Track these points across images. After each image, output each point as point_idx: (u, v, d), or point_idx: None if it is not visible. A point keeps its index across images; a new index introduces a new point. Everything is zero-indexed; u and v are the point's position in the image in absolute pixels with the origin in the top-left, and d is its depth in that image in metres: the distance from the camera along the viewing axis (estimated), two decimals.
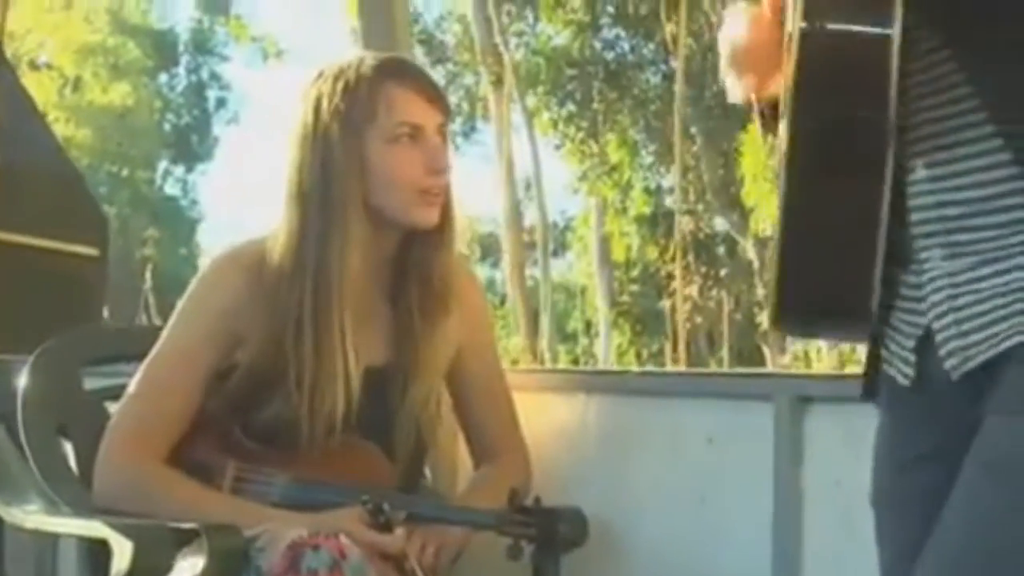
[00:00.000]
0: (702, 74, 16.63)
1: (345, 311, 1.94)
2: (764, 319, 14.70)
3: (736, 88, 1.44)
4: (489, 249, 17.99)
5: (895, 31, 1.25)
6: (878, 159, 1.28)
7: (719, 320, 14.00)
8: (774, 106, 1.42)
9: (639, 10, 16.49)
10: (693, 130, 16.56)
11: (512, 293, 15.56)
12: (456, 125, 18.53)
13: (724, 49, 1.44)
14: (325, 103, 1.96)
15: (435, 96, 2.02)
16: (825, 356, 10.47)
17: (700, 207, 16.80)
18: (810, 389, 2.09)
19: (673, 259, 15.11)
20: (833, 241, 1.31)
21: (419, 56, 17.82)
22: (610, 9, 16.78)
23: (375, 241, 1.98)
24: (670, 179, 16.96)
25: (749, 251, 15.26)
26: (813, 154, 1.29)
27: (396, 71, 2.01)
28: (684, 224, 15.31)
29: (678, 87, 14.70)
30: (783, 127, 1.33)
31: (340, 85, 1.97)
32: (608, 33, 17.43)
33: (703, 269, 16.48)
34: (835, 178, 1.29)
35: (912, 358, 1.38)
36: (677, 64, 15.02)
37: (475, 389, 2.14)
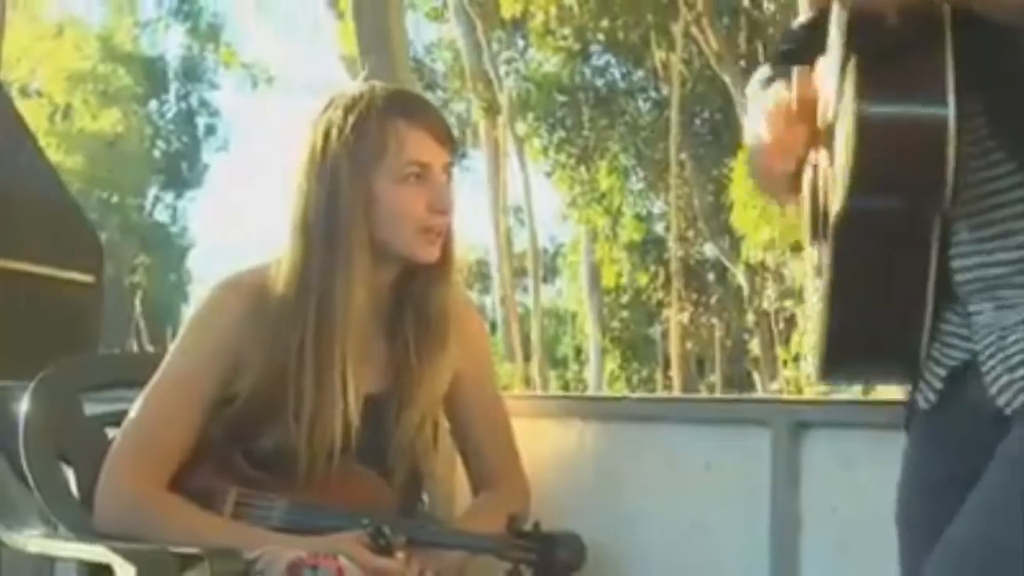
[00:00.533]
0: (692, 101, 16.71)
1: (347, 344, 1.95)
2: (755, 347, 14.73)
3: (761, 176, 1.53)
4: (479, 275, 18.00)
5: (951, 111, 1.27)
6: (928, 230, 1.36)
7: (710, 346, 14.01)
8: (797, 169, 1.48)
9: (629, 37, 16.57)
10: (683, 156, 16.62)
11: (503, 319, 15.56)
12: None
13: (749, 140, 1.52)
14: (335, 134, 1.97)
15: (444, 136, 2.03)
16: (815, 383, 10.50)
17: (691, 233, 16.85)
18: (807, 415, 2.10)
19: (664, 285, 15.13)
20: (882, 296, 1.39)
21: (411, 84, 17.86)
22: (600, 36, 16.84)
23: (376, 274, 2.00)
24: (660, 205, 17.00)
25: (739, 277, 15.29)
26: (865, 230, 1.35)
27: (408, 108, 2.02)
28: (675, 250, 15.35)
29: (672, 114, 14.75)
30: (836, 200, 1.36)
31: (352, 118, 1.97)
32: (598, 60, 17.50)
33: (694, 296, 16.51)
34: (886, 247, 1.36)
35: (939, 386, 1.46)
36: (670, 91, 15.08)
37: (474, 416, 2.15)
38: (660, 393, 11.99)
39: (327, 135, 1.97)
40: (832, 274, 1.39)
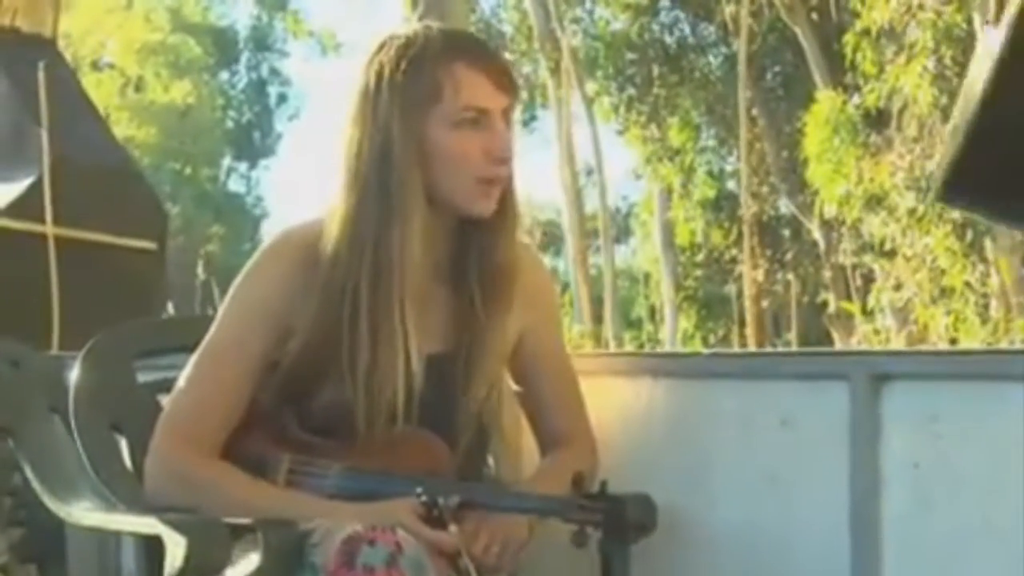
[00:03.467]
0: (763, 55, 16.47)
1: (405, 297, 1.86)
2: (831, 300, 14.54)
3: None
4: (551, 237, 17.92)
5: None
6: None
7: (786, 303, 13.83)
8: None
9: None
10: (755, 112, 16.39)
11: (575, 280, 15.48)
12: (516, 114, 18.46)
13: None
14: (387, 77, 1.86)
15: (504, 79, 1.92)
16: (895, 338, 10.31)
17: (764, 190, 16.63)
18: (887, 366, 2.00)
19: (738, 242, 14.96)
20: None
21: None
22: None
23: (434, 227, 1.90)
24: (733, 162, 16.81)
25: (815, 233, 15.08)
26: None
27: (465, 49, 1.91)
28: (746, 207, 15.16)
29: (740, 68, 14.54)
30: None
31: (404, 60, 1.86)
32: (667, 17, 17.28)
33: (768, 252, 16.31)
34: None
35: None
36: (738, 46, 14.86)
37: (540, 374, 2.06)
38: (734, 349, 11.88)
39: (379, 78, 1.87)
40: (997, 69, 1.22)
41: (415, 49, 1.88)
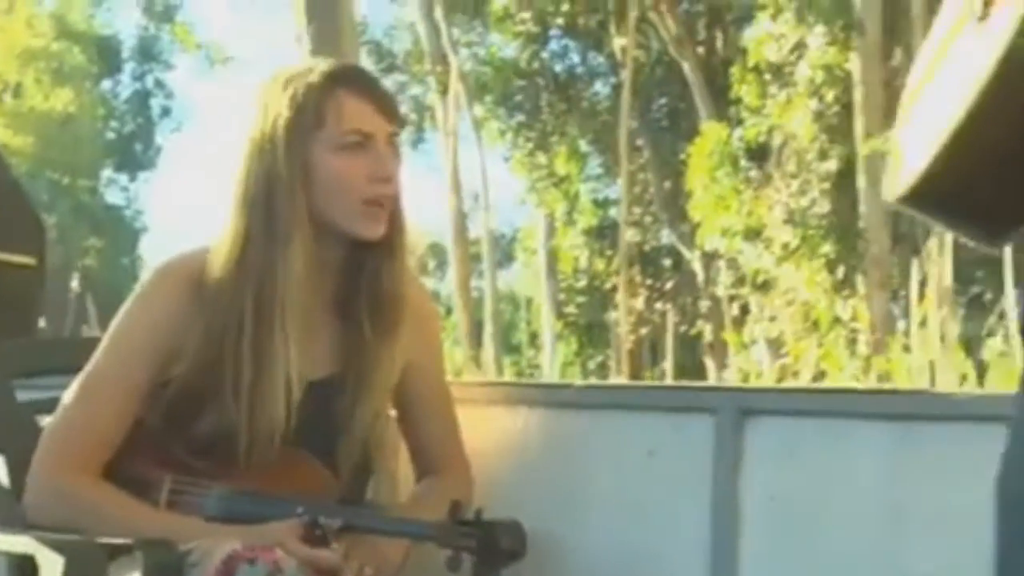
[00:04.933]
0: (650, 87, 16.72)
1: (288, 320, 1.91)
2: (708, 331, 14.77)
3: None
4: (435, 260, 17.93)
5: None
6: None
7: (665, 332, 14.03)
8: None
9: (588, 22, 16.54)
10: (641, 142, 16.62)
11: (457, 304, 15.52)
12: (404, 135, 18.46)
13: None
14: (273, 109, 1.94)
15: (387, 104, 1.99)
16: (767, 371, 10.52)
17: (648, 219, 16.86)
18: (752, 401, 2.09)
19: (619, 271, 15.14)
20: None
21: (367, 65, 17.77)
22: (559, 21, 16.81)
23: (321, 251, 1.95)
24: (618, 191, 17.01)
25: (695, 264, 15.33)
26: None
27: (347, 78, 1.99)
28: (630, 236, 15.36)
29: (624, 97, 14.74)
30: None
31: (289, 92, 1.94)
32: (557, 45, 17.47)
33: (649, 282, 16.53)
34: None
35: None
36: (624, 76, 15.07)
37: (421, 402, 2.12)
38: (612, 380, 12.02)
39: (265, 112, 1.94)
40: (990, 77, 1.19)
41: (301, 80, 1.95)
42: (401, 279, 2.01)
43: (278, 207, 1.92)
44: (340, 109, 1.94)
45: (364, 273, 1.99)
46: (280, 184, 1.92)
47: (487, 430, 2.27)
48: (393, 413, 2.13)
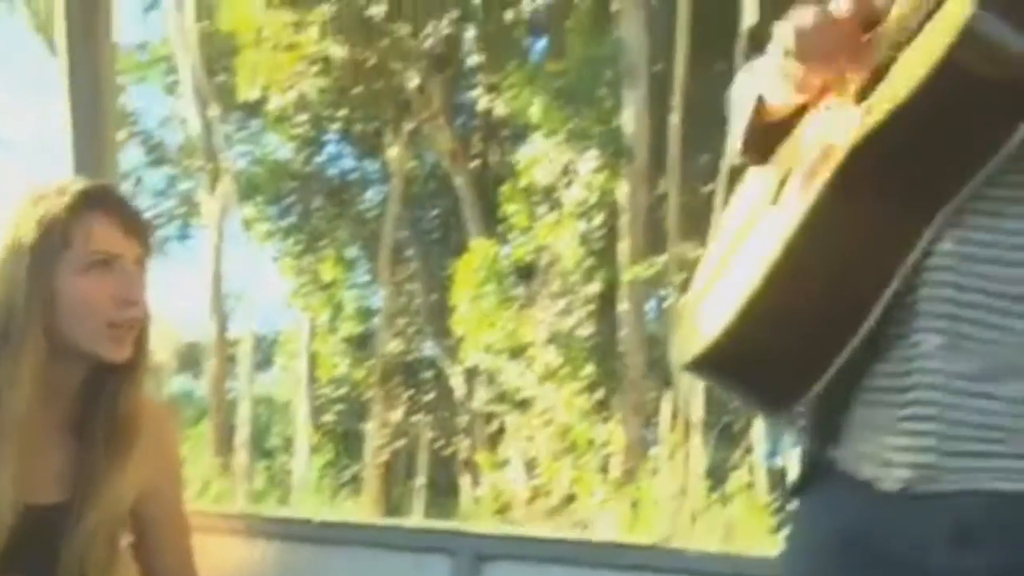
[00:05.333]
0: (423, 198, 16.89)
1: (7, 446, 1.84)
2: (464, 447, 14.80)
3: (798, 77, 1.30)
4: (191, 359, 17.55)
5: None
6: (938, 197, 1.16)
7: (418, 447, 14.03)
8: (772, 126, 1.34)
9: (366, 128, 16.68)
10: (410, 253, 16.71)
11: (211, 405, 15.20)
12: (172, 228, 18.17)
13: (788, 37, 1.29)
14: (21, 229, 1.90)
15: (136, 227, 1.97)
16: (517, 492, 10.65)
17: (411, 330, 16.90)
18: (489, 547, 2.12)
19: (378, 382, 15.11)
20: (827, 290, 1.22)
21: (139, 157, 17.51)
22: (336, 126, 16.89)
23: (61, 372, 1.91)
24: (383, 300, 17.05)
25: (455, 378, 15.40)
26: (881, 163, 1.18)
27: (97, 199, 1.96)
28: (393, 347, 15.37)
29: (391, 208, 14.86)
30: (865, 123, 1.20)
31: (39, 211, 1.91)
32: (333, 148, 17.53)
33: (408, 394, 16.52)
34: (878, 202, 1.18)
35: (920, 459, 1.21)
36: (394, 186, 15.20)
37: (157, 531, 2.07)
38: (362, 497, 11.95)
39: (16, 230, 1.90)
40: (797, 235, 1.20)
41: (51, 200, 1.92)
42: (138, 403, 1.97)
43: (13, 332, 1.87)
44: (88, 230, 1.91)
45: (103, 395, 1.95)
46: (18, 305, 1.87)
47: (225, 560, 2.23)
48: (130, 539, 2.07)
